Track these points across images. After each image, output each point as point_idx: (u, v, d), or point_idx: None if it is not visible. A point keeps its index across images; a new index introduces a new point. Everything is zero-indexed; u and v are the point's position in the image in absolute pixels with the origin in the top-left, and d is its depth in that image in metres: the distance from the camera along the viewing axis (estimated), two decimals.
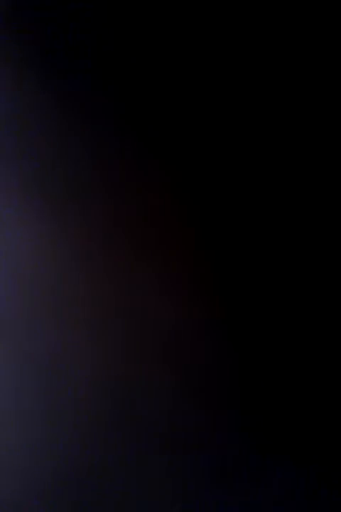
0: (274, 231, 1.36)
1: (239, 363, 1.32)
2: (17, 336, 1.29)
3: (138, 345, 1.31)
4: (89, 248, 1.33)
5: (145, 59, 1.38)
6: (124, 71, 1.38)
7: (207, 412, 1.30)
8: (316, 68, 1.40)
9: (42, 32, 1.37)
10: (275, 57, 1.40)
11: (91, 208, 1.34)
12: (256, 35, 1.40)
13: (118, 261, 1.33)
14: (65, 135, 1.35)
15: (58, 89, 1.36)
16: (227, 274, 1.35)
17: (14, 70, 1.36)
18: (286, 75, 1.40)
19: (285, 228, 1.37)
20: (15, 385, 1.28)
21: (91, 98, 1.37)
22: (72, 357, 1.30)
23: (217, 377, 1.31)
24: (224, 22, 1.39)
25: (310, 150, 1.39)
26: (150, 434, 1.29)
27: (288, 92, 1.39)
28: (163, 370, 1.31)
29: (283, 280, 1.35)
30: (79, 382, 1.29)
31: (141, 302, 1.32)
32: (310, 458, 1.30)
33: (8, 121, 1.35)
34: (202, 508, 1.27)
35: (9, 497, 1.25)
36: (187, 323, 1.32)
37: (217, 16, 1.39)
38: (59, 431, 1.28)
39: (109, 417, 1.29)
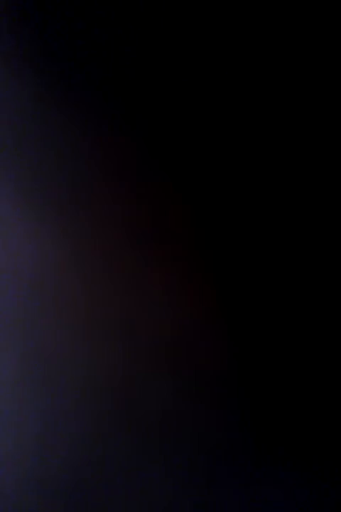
0: (274, 231, 1.37)
1: (239, 363, 1.32)
2: (16, 336, 1.29)
3: (138, 346, 1.31)
4: (89, 248, 1.33)
5: (145, 59, 1.38)
6: (124, 71, 1.38)
7: (207, 412, 1.30)
8: (316, 68, 1.40)
9: (42, 32, 1.37)
10: (275, 58, 1.40)
11: (92, 208, 1.34)
12: (256, 35, 1.40)
13: (118, 261, 1.33)
14: (65, 135, 1.35)
15: (58, 89, 1.36)
16: (227, 274, 1.35)
17: (14, 70, 1.36)
18: (286, 75, 1.40)
19: (286, 228, 1.37)
20: (14, 384, 1.28)
21: (91, 98, 1.37)
22: (71, 357, 1.30)
23: (216, 377, 1.32)
24: (224, 22, 1.39)
25: (310, 150, 1.39)
26: (149, 434, 1.29)
27: (288, 92, 1.40)
28: (163, 370, 1.31)
29: (284, 280, 1.35)
30: (79, 383, 1.29)
31: (141, 302, 1.32)
32: (310, 458, 1.30)
33: (8, 121, 1.35)
34: (202, 508, 1.27)
35: (9, 497, 1.25)
36: (187, 323, 1.32)
37: (217, 16, 1.39)
38: (58, 431, 1.28)
39: (109, 417, 1.29)
